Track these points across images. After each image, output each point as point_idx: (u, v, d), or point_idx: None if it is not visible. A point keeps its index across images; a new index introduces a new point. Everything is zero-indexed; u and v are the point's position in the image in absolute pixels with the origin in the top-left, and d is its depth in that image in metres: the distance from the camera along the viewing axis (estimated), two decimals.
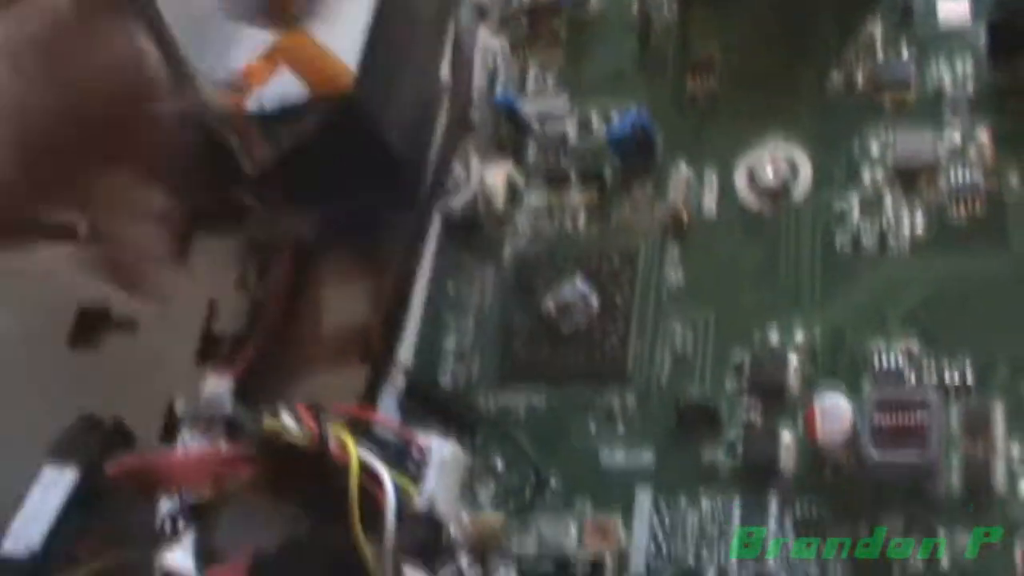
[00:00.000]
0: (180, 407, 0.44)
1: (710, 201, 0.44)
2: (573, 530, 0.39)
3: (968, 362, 0.38)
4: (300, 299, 0.50)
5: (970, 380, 0.38)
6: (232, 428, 0.40)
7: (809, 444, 0.38)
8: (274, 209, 0.52)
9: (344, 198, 0.51)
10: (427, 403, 0.44)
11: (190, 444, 0.42)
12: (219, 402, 0.43)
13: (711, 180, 0.45)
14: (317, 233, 0.51)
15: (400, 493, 0.37)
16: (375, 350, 0.45)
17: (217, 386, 0.44)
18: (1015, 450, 0.36)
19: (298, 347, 0.49)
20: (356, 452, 0.36)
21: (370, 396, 0.44)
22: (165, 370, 0.47)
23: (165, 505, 0.39)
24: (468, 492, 0.41)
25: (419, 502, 0.38)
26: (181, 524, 0.39)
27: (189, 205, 0.52)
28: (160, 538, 0.39)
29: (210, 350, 0.49)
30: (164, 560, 0.38)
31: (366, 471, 0.36)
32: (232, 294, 0.50)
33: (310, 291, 0.50)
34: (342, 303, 0.49)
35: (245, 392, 0.44)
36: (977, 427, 0.37)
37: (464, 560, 0.39)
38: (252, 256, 0.51)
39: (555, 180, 0.47)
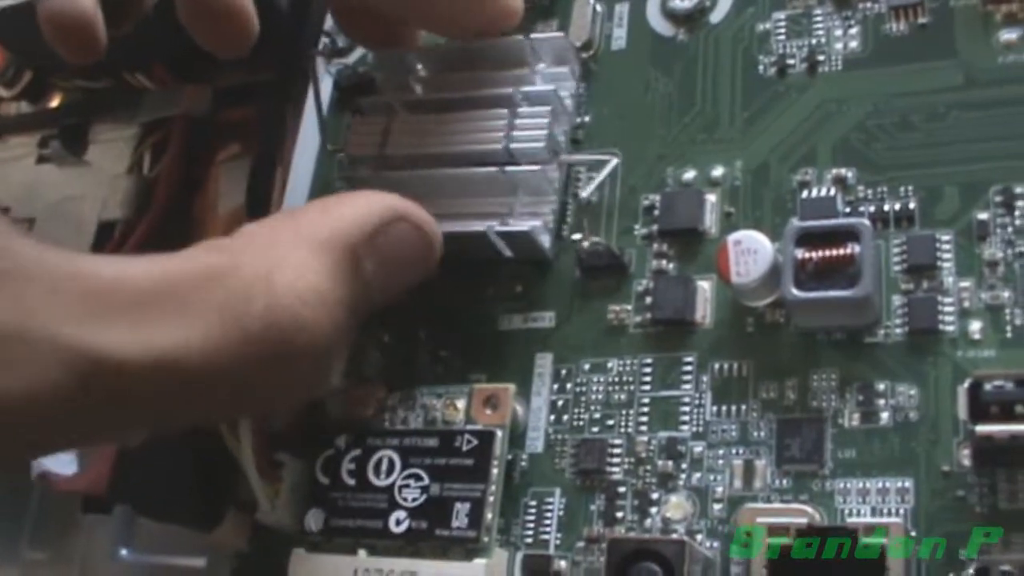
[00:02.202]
0: None
1: (620, 32, 0.39)
2: (461, 402, 0.34)
3: (911, 189, 0.33)
4: (193, 177, 0.49)
5: (913, 208, 0.33)
6: None
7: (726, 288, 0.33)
8: (166, 87, 0.51)
9: (236, 69, 0.49)
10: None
11: None
12: None
13: (622, 12, 0.39)
14: (210, 109, 0.50)
15: None
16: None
17: None
18: (964, 288, 0.31)
19: (191, 226, 0.48)
20: None
21: None
22: None
23: None
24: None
25: None
26: None
27: None
28: None
29: (103, 238, 0.48)
30: None
31: None
32: (126, 179, 0.50)
33: (203, 168, 0.49)
34: (234, 178, 0.47)
35: None
36: (921, 262, 0.32)
37: (343, 441, 0.35)
38: (147, 139, 0.51)
39: None
